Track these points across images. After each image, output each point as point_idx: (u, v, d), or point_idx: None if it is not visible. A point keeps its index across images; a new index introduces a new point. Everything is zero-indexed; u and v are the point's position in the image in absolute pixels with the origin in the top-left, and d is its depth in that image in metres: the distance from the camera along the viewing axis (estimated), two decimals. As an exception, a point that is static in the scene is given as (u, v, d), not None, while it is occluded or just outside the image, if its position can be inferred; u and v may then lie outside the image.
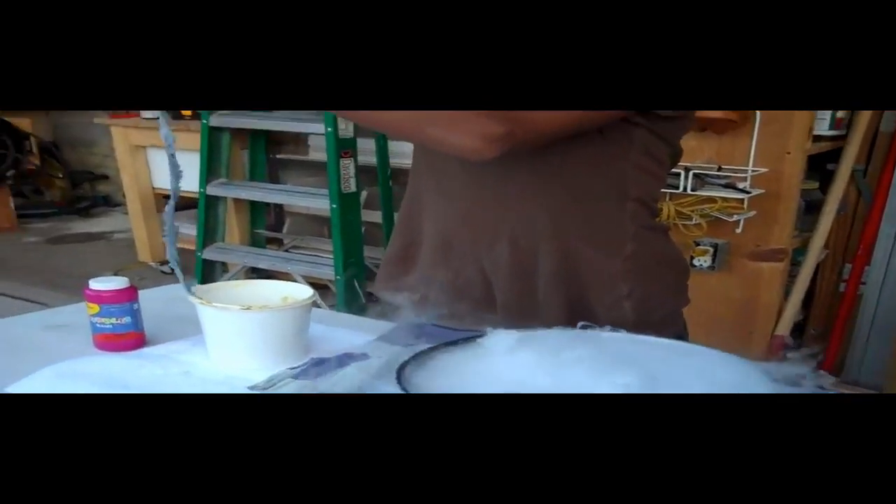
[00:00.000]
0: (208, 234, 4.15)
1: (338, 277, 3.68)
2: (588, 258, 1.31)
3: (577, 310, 1.29)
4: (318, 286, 3.89)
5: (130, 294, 1.28)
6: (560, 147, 1.24)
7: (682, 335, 1.37)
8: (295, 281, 3.57)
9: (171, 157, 1.19)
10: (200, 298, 1.19)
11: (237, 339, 1.19)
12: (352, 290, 3.68)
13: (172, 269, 1.24)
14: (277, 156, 4.51)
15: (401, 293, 1.48)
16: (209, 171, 4.07)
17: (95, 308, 1.26)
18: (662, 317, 1.34)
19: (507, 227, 1.32)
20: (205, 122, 3.99)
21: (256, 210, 4.50)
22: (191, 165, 4.17)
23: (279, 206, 4.64)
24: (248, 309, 1.18)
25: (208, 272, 4.17)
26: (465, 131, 1.13)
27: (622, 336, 1.09)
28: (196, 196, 4.17)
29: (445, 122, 1.14)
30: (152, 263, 4.92)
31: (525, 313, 1.12)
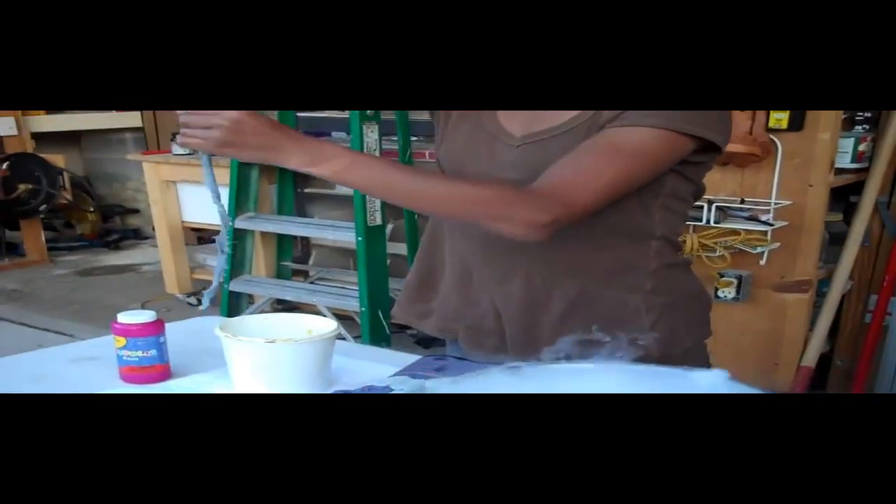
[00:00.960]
0: (235, 266, 4.18)
1: (363, 309, 3.70)
2: (606, 295, 1.32)
3: (591, 345, 1.29)
4: (343, 318, 3.92)
5: (157, 327, 1.30)
6: None
7: (705, 368, 1.37)
8: (320, 313, 3.60)
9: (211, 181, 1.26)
10: (225, 332, 1.21)
11: (261, 371, 1.20)
12: (376, 322, 3.70)
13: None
14: (305, 190, 4.55)
15: (419, 320, 1.49)
16: (238, 205, 4.12)
17: (122, 341, 1.28)
18: (685, 350, 1.34)
19: (523, 263, 1.32)
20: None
21: (283, 243, 4.53)
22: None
23: (305, 239, 4.67)
24: (272, 342, 1.19)
25: (234, 304, 4.20)
26: (514, 222, 1.18)
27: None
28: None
29: (495, 211, 1.19)
30: (179, 295, 4.96)
31: (534, 348, 1.13)
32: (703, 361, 1.39)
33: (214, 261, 4.67)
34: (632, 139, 1.18)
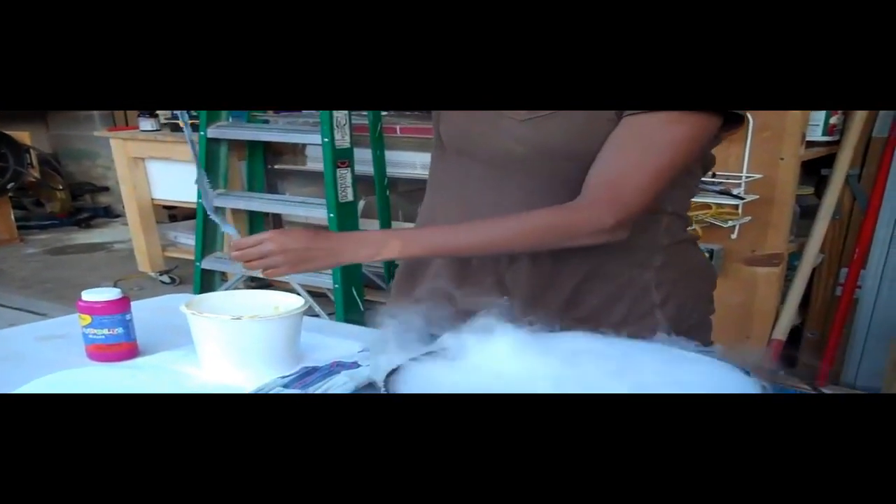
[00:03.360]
0: (207, 244, 4.15)
1: (336, 286, 3.68)
2: (615, 273, 1.32)
3: (600, 321, 1.27)
4: (317, 295, 3.90)
5: (122, 305, 1.29)
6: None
7: (708, 343, 1.36)
8: (293, 290, 3.58)
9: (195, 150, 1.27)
10: (191, 309, 1.20)
11: (227, 348, 1.20)
12: (350, 299, 3.69)
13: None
14: (275, 166, 4.51)
15: (409, 306, 1.47)
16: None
17: (87, 319, 1.27)
18: (692, 325, 1.35)
19: None
20: (202, 133, 4.00)
21: (255, 220, 4.50)
22: (189, 177, 4.19)
23: (277, 216, 4.65)
24: (238, 318, 1.19)
25: (207, 282, 4.17)
26: (586, 237, 1.22)
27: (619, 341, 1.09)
28: (195, 206, 4.17)
29: (564, 235, 1.23)
30: (151, 273, 4.93)
31: (542, 325, 1.13)
32: (707, 337, 1.39)
33: (186, 238, 4.65)
34: (664, 129, 1.19)
